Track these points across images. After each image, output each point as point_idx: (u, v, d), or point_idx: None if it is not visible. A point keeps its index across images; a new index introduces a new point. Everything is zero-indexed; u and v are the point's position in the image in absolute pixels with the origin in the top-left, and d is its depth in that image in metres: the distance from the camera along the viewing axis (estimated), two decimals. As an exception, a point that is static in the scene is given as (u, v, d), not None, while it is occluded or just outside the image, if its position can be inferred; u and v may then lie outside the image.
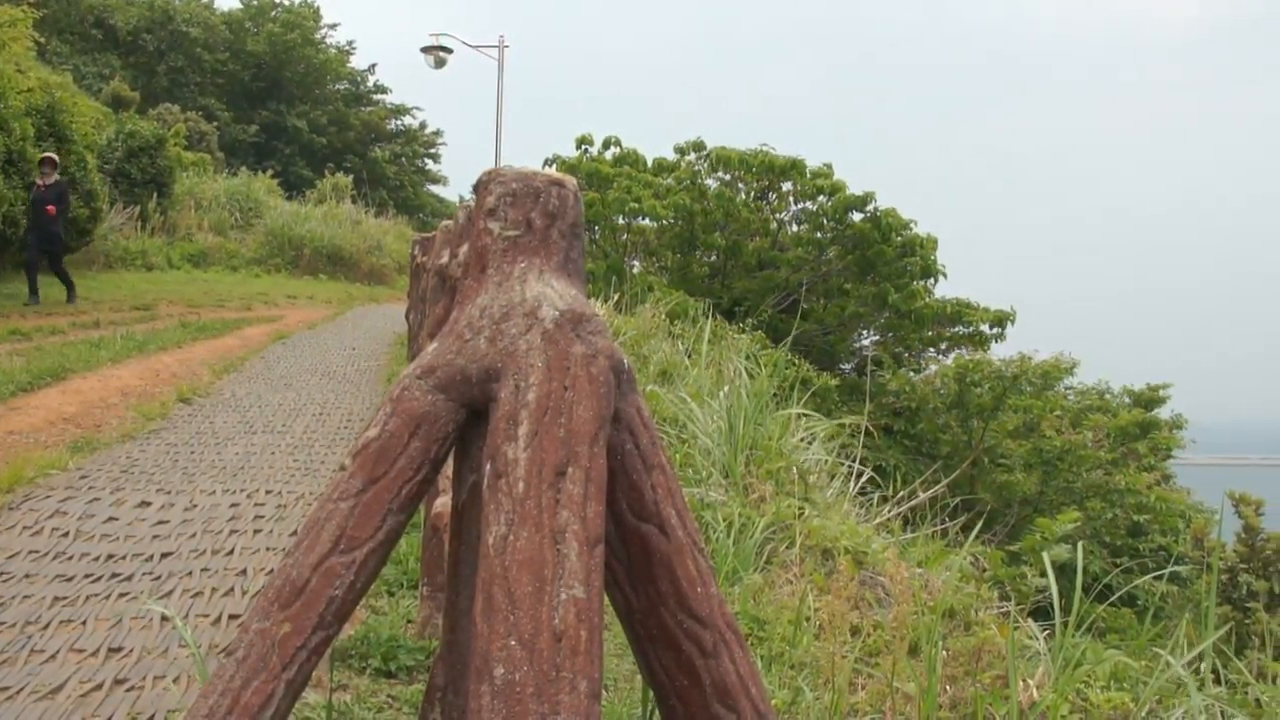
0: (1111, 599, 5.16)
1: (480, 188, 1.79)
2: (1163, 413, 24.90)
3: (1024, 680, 3.24)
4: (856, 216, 22.42)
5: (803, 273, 22.61)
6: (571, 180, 1.79)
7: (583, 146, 24.00)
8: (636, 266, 23.71)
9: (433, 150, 57.27)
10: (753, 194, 23.90)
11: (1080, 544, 3.72)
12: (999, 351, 22.09)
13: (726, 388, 6.28)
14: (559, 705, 1.40)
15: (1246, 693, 3.81)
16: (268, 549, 5.76)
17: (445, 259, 5.08)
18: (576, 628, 1.44)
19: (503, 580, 1.45)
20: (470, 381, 1.63)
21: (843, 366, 23.57)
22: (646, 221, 23.19)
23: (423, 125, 56.77)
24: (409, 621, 4.40)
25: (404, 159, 55.02)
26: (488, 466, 1.54)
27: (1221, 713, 3.56)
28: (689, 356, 9.15)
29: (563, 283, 1.70)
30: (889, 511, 5.65)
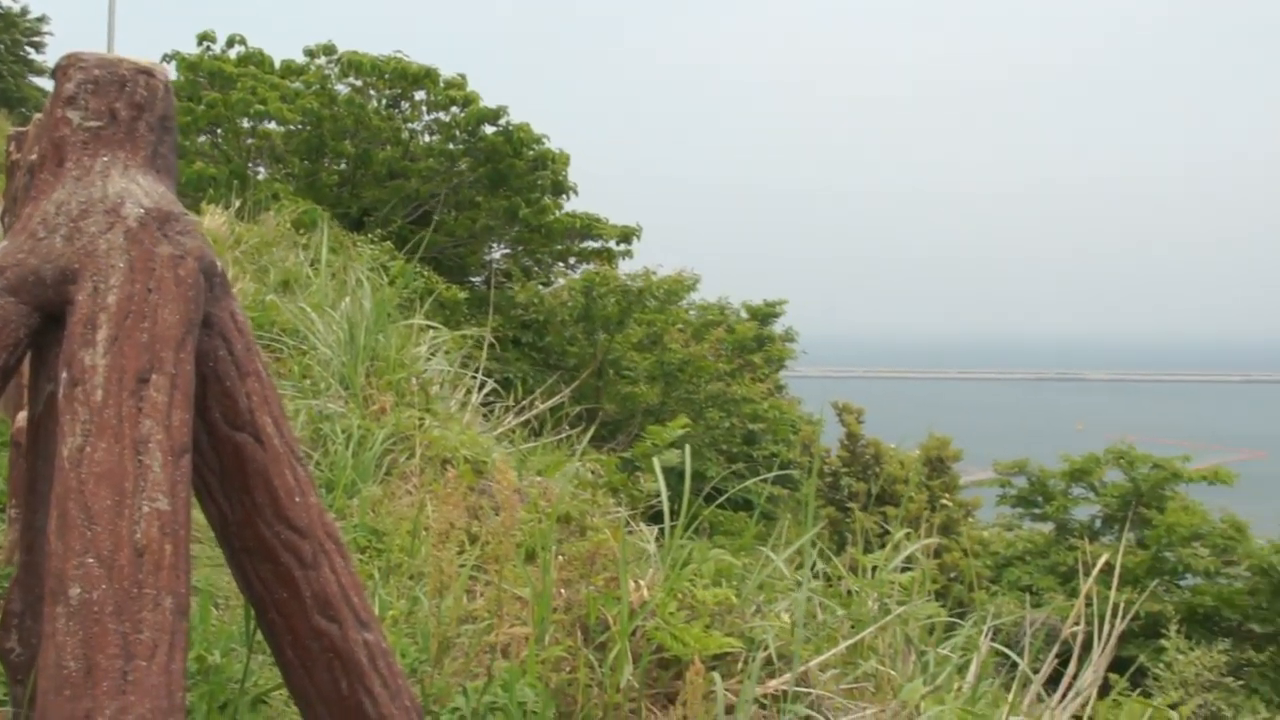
0: (718, 501, 5.42)
1: (59, 73, 1.64)
2: (777, 327, 26.32)
3: (635, 581, 3.35)
4: (489, 129, 22.35)
5: (434, 184, 22.37)
6: (163, 69, 1.67)
7: (204, 44, 22.70)
8: (262, 173, 22.78)
9: (36, 39, 52.87)
10: (385, 102, 23.38)
11: (689, 448, 3.88)
12: (627, 268, 22.68)
13: (349, 298, 6.16)
14: (141, 623, 1.33)
15: (841, 584, 4.09)
16: None
17: (36, 154, 4.71)
18: (160, 542, 1.37)
19: (78, 495, 1.36)
20: (44, 283, 1.51)
21: (473, 279, 23.57)
22: (273, 126, 22.26)
23: (24, 10, 52.33)
24: (-1, 546, 4.10)
25: (2, 47, 50.58)
26: (63, 375, 1.44)
27: (821, 604, 3.81)
28: (312, 267, 8.90)
29: (150, 179, 1.59)
30: (511, 421, 5.72)
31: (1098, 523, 25.06)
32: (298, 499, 1.70)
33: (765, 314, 25.96)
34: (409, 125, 23.59)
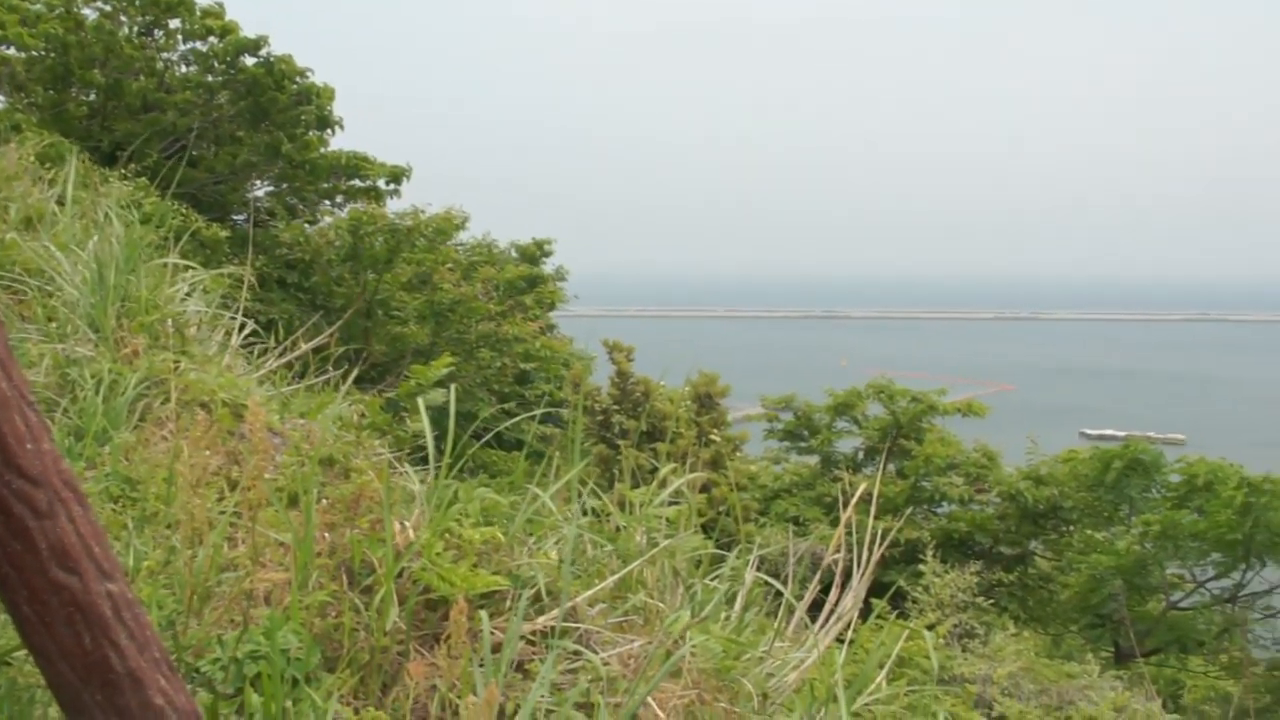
0: (485, 439, 5.39)
1: None
2: (548, 266, 26.33)
3: (400, 523, 3.31)
4: (249, 61, 21.55)
5: (192, 117, 21.45)
6: None
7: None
8: (1, 102, 21.43)
9: None
10: (137, 29, 22.24)
11: (458, 388, 3.85)
12: (395, 207, 22.27)
13: (98, 236, 5.85)
14: None
15: (609, 520, 4.12)
16: None
17: None
18: None
19: None
20: None
21: (235, 218, 22.78)
22: (12, 51, 20.92)
23: None
24: None
25: None
26: None
27: (590, 540, 3.84)
28: (59, 204, 8.43)
29: None
30: (273, 363, 5.55)
31: (860, 455, 26.05)
32: (29, 446, 1.60)
33: (535, 254, 25.93)
34: (164, 55, 22.53)
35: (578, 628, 3.26)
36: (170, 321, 5.11)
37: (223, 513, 3.40)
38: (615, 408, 26.05)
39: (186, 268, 6.41)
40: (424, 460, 3.86)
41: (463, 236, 23.38)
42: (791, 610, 4.08)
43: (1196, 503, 18.84)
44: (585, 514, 4.05)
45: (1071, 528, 22.84)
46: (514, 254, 25.81)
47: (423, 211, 20.69)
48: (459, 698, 2.63)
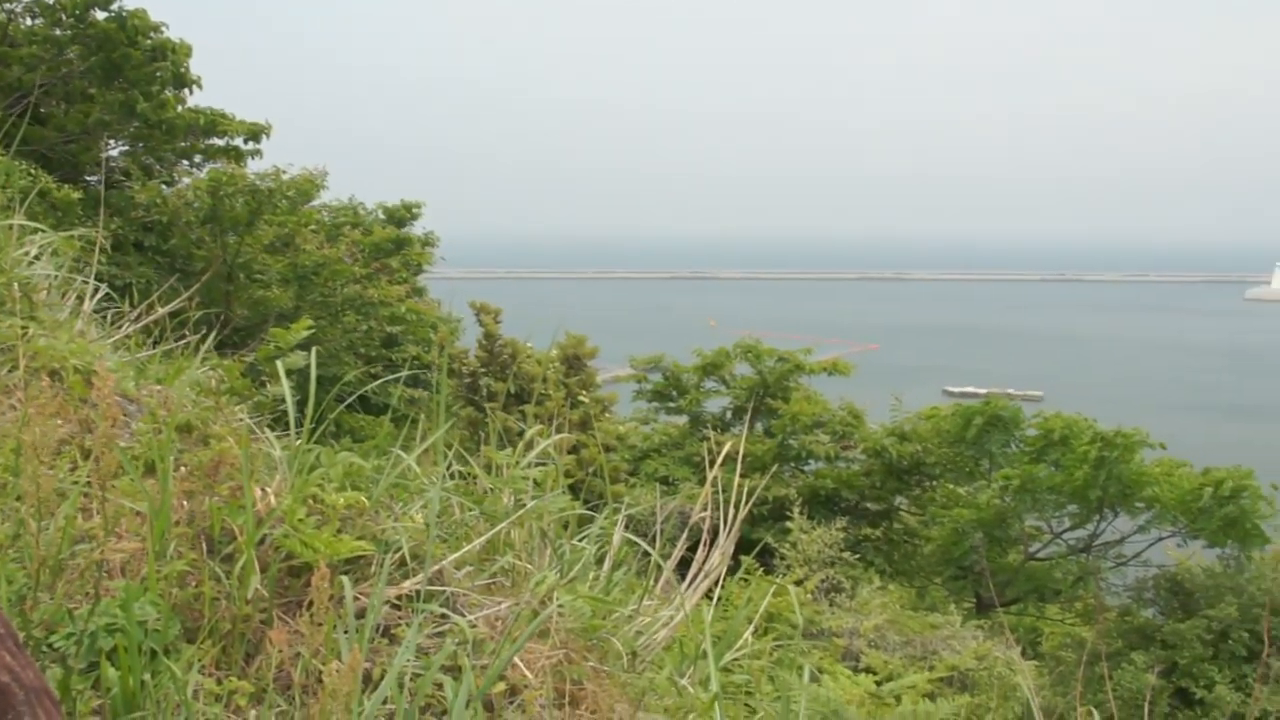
0: (347, 402, 5.32)
1: None
2: (416, 229, 26.03)
3: (261, 489, 3.25)
4: (100, 15, 20.78)
5: (38, 73, 20.63)
6: None
7: None
8: None
9: None
10: (-25, -21, 21.31)
11: (322, 351, 3.78)
12: (258, 167, 21.72)
13: (-64, 197, 5.61)
14: None
15: (476, 483, 4.10)
16: None
17: None
18: None
19: None
20: None
21: (88, 179, 22.01)
22: None
23: None
24: None
25: None
26: None
27: (457, 503, 3.81)
28: (-106, 164, 8.08)
29: None
30: (129, 328, 5.38)
31: (728, 414, 26.33)
32: None
33: (403, 216, 25.60)
34: (7, 6, 21.62)
35: (444, 591, 3.24)
36: (16, 286, 4.93)
37: (75, 483, 3.31)
38: (483, 370, 25.94)
39: (34, 230, 6.18)
40: (286, 426, 3.80)
41: (326, 197, 22.94)
42: (660, 569, 4.11)
43: (1053, 457, 19.40)
44: (451, 477, 4.03)
45: (934, 483, 23.42)
46: (381, 216, 25.43)
47: (284, 172, 20.21)
48: (323, 665, 2.59)
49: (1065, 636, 19.24)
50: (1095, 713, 3.76)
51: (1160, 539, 18.87)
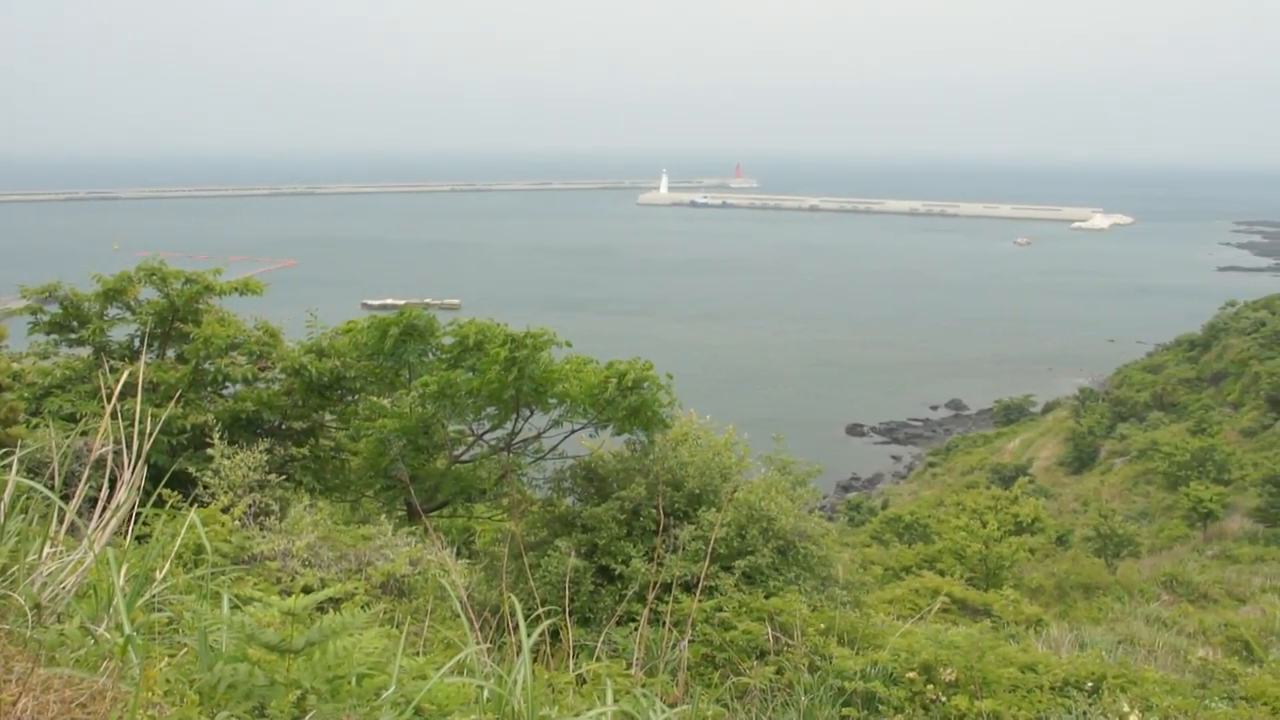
0: None
1: None
2: None
3: None
4: None
5: None
6: None
7: None
8: None
9: None
10: None
11: None
12: None
13: None
14: None
15: None
16: None
17: None
18: None
19: None
20: None
21: None
22: None
23: None
24: None
25: None
26: None
27: None
28: None
29: None
30: None
31: (137, 342, 24.97)
32: None
33: None
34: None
35: None
36: None
37: None
38: None
39: None
40: None
41: None
42: (62, 513, 3.86)
43: (470, 362, 20.01)
44: None
45: (357, 396, 23.54)
46: None
47: None
48: None
49: (496, 532, 20.06)
50: (515, 600, 3.97)
51: (574, 431, 20.04)
